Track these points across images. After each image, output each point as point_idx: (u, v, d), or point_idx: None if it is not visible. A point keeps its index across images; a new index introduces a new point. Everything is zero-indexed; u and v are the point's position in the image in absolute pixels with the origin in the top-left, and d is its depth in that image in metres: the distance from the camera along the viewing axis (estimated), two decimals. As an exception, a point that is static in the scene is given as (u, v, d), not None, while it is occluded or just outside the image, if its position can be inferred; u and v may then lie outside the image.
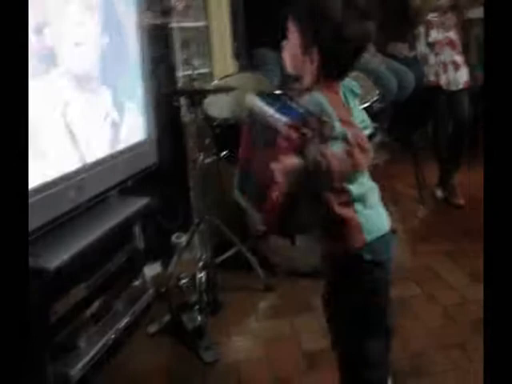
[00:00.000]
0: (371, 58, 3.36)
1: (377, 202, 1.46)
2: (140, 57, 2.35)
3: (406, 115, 3.47)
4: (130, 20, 2.30)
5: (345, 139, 1.27)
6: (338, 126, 1.28)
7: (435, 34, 3.58)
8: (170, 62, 2.93)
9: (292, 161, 1.22)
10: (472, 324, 2.28)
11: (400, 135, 3.72)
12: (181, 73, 3.00)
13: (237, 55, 3.46)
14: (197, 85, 2.56)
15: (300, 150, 1.22)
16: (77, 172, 1.95)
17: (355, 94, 1.47)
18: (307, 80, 1.41)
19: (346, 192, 1.36)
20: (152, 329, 2.36)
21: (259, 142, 1.41)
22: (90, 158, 2.03)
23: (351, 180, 1.36)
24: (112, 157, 2.16)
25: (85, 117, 2.02)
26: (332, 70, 1.39)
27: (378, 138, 2.87)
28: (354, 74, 2.79)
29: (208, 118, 2.66)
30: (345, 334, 1.51)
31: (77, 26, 1.97)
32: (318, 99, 1.33)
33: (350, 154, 1.26)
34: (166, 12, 2.92)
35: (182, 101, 2.83)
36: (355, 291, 1.45)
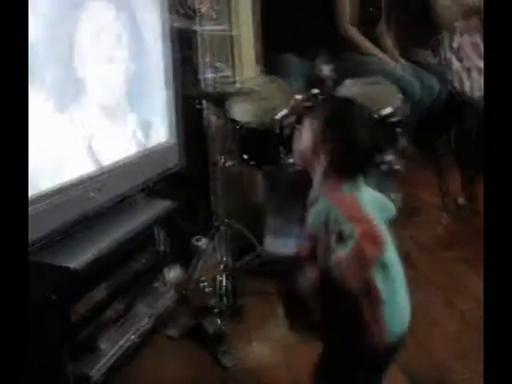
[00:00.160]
0: (394, 63, 3.35)
1: (403, 293, 1.42)
2: (164, 60, 2.36)
3: (429, 122, 3.44)
4: (153, 24, 2.30)
5: (352, 237, 1.25)
6: (347, 226, 1.27)
7: (459, 39, 3.55)
8: (193, 64, 2.93)
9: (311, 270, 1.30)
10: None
11: (423, 142, 3.68)
12: (204, 76, 3.00)
13: (259, 59, 3.46)
14: (220, 88, 2.56)
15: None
16: (100, 173, 1.95)
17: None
18: (314, 179, 1.43)
19: (373, 286, 1.34)
20: (172, 331, 2.36)
21: None
22: (114, 160, 2.04)
23: (379, 268, 1.34)
24: (135, 159, 2.17)
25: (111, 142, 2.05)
26: (339, 173, 1.40)
27: (400, 145, 2.84)
28: (376, 79, 2.82)
29: (230, 122, 2.66)
30: None
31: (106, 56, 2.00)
32: (323, 208, 1.34)
33: (358, 250, 1.24)
34: (190, 15, 2.92)
35: (205, 104, 2.83)
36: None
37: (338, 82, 2.83)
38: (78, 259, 1.75)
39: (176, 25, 2.73)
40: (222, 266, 2.47)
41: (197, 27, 2.96)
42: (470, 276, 2.73)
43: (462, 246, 3.10)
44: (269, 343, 2.34)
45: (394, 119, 2.66)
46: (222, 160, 2.52)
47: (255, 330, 2.41)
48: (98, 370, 1.91)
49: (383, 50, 3.44)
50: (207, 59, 3.01)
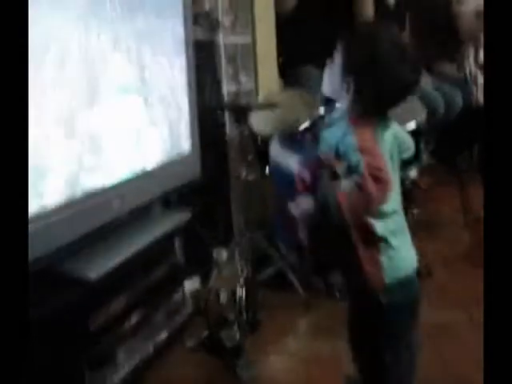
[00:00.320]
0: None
1: (406, 241, 1.42)
2: (187, 72, 2.37)
3: (452, 136, 3.41)
4: (178, 36, 2.32)
5: (358, 170, 1.24)
6: (355, 157, 1.25)
7: (484, 54, 3.52)
8: (216, 77, 2.94)
9: (306, 201, 1.24)
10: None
11: (445, 157, 3.65)
12: (226, 88, 3.01)
13: (282, 72, 3.46)
14: (242, 100, 2.56)
15: (312, 190, 1.24)
16: (120, 183, 1.96)
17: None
18: (341, 106, 1.40)
19: (371, 229, 1.33)
20: (190, 343, 2.35)
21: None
22: (135, 170, 2.05)
23: (378, 216, 1.33)
24: (157, 169, 2.17)
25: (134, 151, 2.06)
26: (366, 106, 1.36)
27: (423, 160, 2.82)
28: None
29: (252, 134, 2.66)
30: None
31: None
32: (340, 131, 1.32)
33: (360, 186, 1.23)
34: (214, 28, 2.94)
35: (227, 116, 2.84)
36: (371, 331, 1.42)
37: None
38: (98, 269, 1.76)
39: (200, 37, 2.74)
40: (241, 279, 2.46)
41: (220, 39, 2.98)
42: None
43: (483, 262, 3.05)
44: (288, 358, 2.32)
45: (417, 134, 2.64)
46: (244, 172, 2.51)
47: (274, 343, 2.40)
48: (116, 381, 1.91)
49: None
50: (230, 72, 3.03)
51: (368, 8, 3.32)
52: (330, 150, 1.30)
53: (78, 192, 1.74)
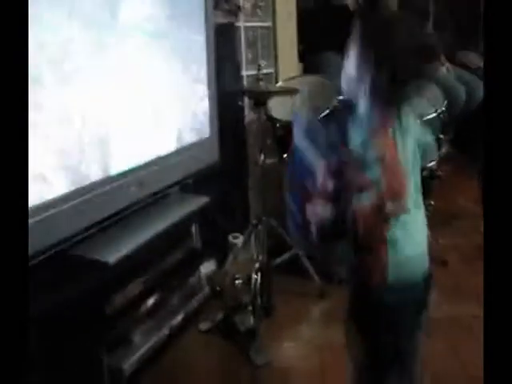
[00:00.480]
0: (440, 66, 3.29)
1: (417, 242, 1.39)
2: (207, 56, 2.36)
3: (473, 127, 3.38)
4: (197, 20, 2.31)
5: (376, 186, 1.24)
6: (374, 172, 1.25)
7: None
8: (235, 61, 2.93)
9: (325, 209, 1.25)
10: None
11: (465, 147, 3.62)
12: (246, 72, 3.00)
13: (302, 57, 3.44)
14: (262, 85, 2.55)
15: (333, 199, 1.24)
16: (139, 168, 1.96)
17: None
18: (360, 107, 1.37)
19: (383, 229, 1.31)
20: (204, 326, 2.37)
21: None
22: (152, 155, 2.05)
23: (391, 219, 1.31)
24: (174, 154, 2.17)
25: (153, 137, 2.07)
26: (384, 96, 1.33)
27: (442, 150, 2.80)
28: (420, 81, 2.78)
29: (271, 119, 2.65)
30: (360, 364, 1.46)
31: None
32: (361, 138, 1.30)
33: (378, 207, 1.23)
34: (234, 11, 2.92)
35: (246, 101, 2.83)
36: (372, 329, 1.41)
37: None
38: (115, 253, 1.77)
39: (220, 21, 2.73)
40: (257, 264, 2.47)
41: (240, 23, 2.97)
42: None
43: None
44: (301, 344, 2.33)
45: (437, 125, 2.62)
46: (262, 158, 2.51)
47: (288, 329, 2.41)
48: (131, 363, 1.93)
49: (429, 51, 3.39)
50: (250, 56, 3.02)
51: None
52: (355, 157, 1.29)
53: (97, 177, 1.75)
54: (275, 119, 2.64)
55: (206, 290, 2.44)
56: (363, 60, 1.34)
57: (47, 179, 1.53)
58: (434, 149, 1.46)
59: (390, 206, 1.24)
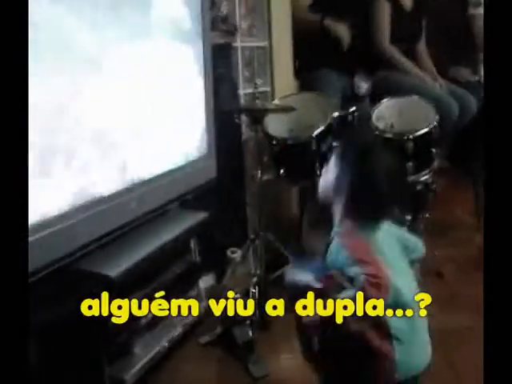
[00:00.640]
0: (433, 83, 3.35)
1: (422, 333, 1.42)
2: (204, 75, 2.42)
3: (466, 140, 3.43)
4: (195, 41, 2.37)
5: (358, 281, 1.28)
6: (353, 270, 1.30)
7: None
8: (232, 79, 2.99)
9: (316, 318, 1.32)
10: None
11: (460, 161, 3.66)
12: (243, 91, 3.06)
13: (297, 75, 3.50)
14: (258, 103, 2.61)
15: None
16: (139, 185, 2.02)
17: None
18: (336, 217, 1.46)
19: (384, 324, 1.34)
20: (203, 340, 2.40)
21: None
22: (154, 172, 2.11)
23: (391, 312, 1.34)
24: (174, 171, 2.23)
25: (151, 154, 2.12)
26: (355, 215, 1.42)
27: (436, 164, 2.84)
28: (413, 99, 2.84)
29: (267, 136, 2.70)
30: None
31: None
32: (335, 249, 1.37)
33: (363, 295, 1.26)
34: (231, 32, 2.99)
35: (243, 118, 2.88)
36: None
37: (375, 101, 2.87)
38: (117, 268, 1.83)
39: (217, 41, 2.79)
40: (254, 278, 2.51)
41: (237, 43, 3.03)
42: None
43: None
44: (299, 356, 2.35)
45: (429, 139, 2.68)
46: (259, 174, 2.56)
47: (285, 342, 2.43)
48: (132, 374, 1.98)
49: (422, 68, 3.45)
50: (246, 74, 3.07)
51: (384, 13, 3.35)
52: (333, 264, 1.36)
53: (98, 194, 1.80)
54: (272, 136, 2.69)
55: (205, 303, 2.47)
56: (340, 181, 1.44)
57: (49, 195, 1.59)
58: (419, 244, 1.52)
59: (373, 294, 1.26)
